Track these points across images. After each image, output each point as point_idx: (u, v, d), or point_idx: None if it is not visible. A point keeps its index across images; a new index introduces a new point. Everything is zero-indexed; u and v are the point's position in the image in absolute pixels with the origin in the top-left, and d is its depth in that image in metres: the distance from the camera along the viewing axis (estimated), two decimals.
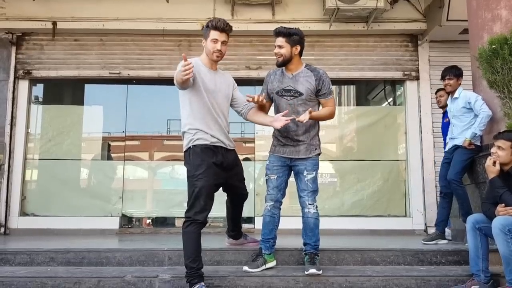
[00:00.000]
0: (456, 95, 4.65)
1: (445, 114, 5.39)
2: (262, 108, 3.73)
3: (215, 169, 3.42)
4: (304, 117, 3.46)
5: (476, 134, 4.38)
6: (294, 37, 3.62)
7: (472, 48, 4.67)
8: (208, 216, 3.40)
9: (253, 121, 3.84)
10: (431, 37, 6.84)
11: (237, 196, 3.89)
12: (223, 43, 3.51)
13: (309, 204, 3.60)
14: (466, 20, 4.96)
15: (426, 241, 4.61)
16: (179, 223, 7.00)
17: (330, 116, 3.75)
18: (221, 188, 3.71)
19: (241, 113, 3.75)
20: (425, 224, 5.28)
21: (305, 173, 3.61)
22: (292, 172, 3.73)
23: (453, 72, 4.71)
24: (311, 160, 3.64)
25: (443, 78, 4.79)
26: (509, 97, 3.95)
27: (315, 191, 3.63)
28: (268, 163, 3.75)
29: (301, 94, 3.62)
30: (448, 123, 5.32)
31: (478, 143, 4.47)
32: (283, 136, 3.68)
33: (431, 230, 5.37)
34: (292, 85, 3.65)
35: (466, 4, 4.91)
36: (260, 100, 3.46)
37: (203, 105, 3.45)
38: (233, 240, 4.15)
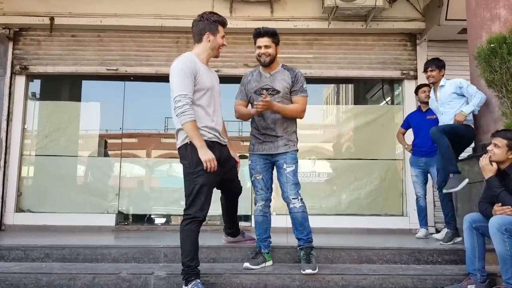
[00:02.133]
0: (442, 83, 4.73)
1: (427, 111, 5.43)
2: (246, 116, 3.90)
3: (218, 166, 3.36)
4: (265, 97, 3.52)
5: (474, 110, 4.37)
6: (277, 37, 3.77)
7: (471, 47, 4.67)
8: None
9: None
10: (429, 37, 6.83)
11: (232, 192, 3.88)
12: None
13: (293, 198, 3.62)
14: (465, 20, 4.96)
15: (444, 242, 4.50)
16: (175, 220, 7.00)
17: (297, 113, 3.76)
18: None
19: None
20: (425, 224, 5.28)
21: (285, 166, 3.66)
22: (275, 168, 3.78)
23: (435, 64, 4.80)
24: (290, 154, 3.70)
25: (425, 70, 4.87)
26: (507, 96, 3.95)
27: (296, 184, 3.66)
28: (251, 163, 3.80)
29: (278, 91, 3.71)
30: (431, 121, 5.32)
31: (472, 125, 4.49)
32: (261, 133, 3.75)
33: (430, 230, 5.37)
34: (269, 83, 3.75)
35: (465, 3, 4.90)
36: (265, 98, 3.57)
37: (201, 102, 3.42)
38: (230, 238, 4.14)
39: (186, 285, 3.19)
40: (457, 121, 4.41)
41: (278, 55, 3.80)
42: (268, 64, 3.75)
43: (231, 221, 4.07)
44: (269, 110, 3.65)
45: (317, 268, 3.49)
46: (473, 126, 4.54)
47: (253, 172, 3.76)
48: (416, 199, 5.47)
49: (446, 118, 4.63)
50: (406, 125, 5.76)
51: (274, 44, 3.71)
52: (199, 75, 3.36)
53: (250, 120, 3.89)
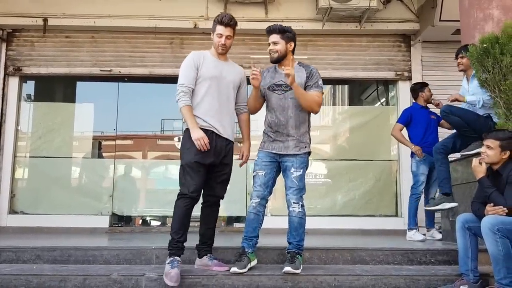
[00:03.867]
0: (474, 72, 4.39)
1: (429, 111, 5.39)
2: (257, 104, 3.81)
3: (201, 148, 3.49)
4: (288, 70, 3.46)
5: (481, 103, 4.22)
6: (288, 34, 3.70)
7: None
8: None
9: (240, 125, 3.98)
10: (423, 38, 6.85)
11: (210, 195, 3.73)
12: (228, 37, 3.67)
13: (294, 202, 3.56)
14: (459, 20, 4.96)
15: (430, 206, 4.45)
16: (169, 222, 6.95)
17: (313, 102, 3.63)
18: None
19: (235, 109, 3.84)
20: (416, 224, 5.27)
21: (292, 170, 3.58)
22: (281, 169, 3.70)
23: (467, 51, 4.41)
24: (299, 158, 3.61)
25: (456, 56, 4.63)
26: (500, 96, 3.94)
27: (301, 190, 3.59)
28: (257, 159, 3.72)
29: (291, 88, 3.61)
30: (434, 121, 5.29)
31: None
32: (273, 131, 3.67)
33: (422, 230, 5.36)
34: (283, 79, 3.66)
35: (458, 4, 4.91)
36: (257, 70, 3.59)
37: (202, 92, 3.58)
38: (198, 259, 3.74)
39: (168, 257, 3.39)
40: (453, 99, 4.35)
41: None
42: (276, 60, 3.70)
43: (202, 231, 3.77)
44: (281, 108, 3.62)
45: (299, 269, 3.44)
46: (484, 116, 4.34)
47: (257, 168, 3.67)
48: (426, 199, 5.35)
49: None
50: (406, 120, 5.44)
51: (284, 41, 3.66)
52: (202, 66, 3.60)
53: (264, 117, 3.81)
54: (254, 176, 3.69)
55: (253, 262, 3.63)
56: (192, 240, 3.73)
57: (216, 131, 3.58)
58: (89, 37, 6.97)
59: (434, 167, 5.22)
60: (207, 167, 3.58)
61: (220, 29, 3.64)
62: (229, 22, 3.64)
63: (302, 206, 3.60)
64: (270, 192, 3.68)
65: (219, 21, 3.65)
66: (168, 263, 3.35)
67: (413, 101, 5.65)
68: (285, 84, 3.64)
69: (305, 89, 3.66)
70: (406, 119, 5.45)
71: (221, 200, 3.80)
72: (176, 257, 3.37)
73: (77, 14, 6.75)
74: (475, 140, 4.32)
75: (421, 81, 6.06)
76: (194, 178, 3.48)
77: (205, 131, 3.52)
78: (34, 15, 6.75)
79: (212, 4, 6.74)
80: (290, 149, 3.62)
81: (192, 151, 3.49)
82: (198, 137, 3.41)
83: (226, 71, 3.69)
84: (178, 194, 3.51)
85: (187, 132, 3.55)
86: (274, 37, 3.67)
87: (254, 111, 3.89)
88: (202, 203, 3.74)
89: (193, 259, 3.75)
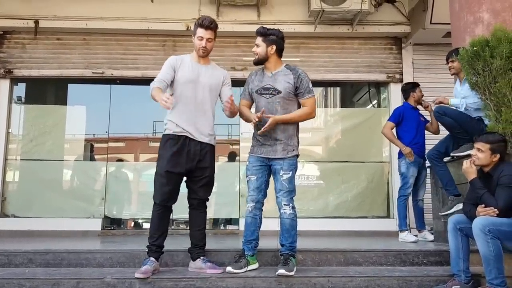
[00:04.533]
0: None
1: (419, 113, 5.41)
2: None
3: (174, 156, 3.57)
4: (264, 129, 3.54)
5: (464, 106, 4.34)
6: (271, 37, 3.72)
7: None
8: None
9: (227, 116, 3.82)
10: (415, 40, 6.90)
11: (191, 198, 3.74)
12: (208, 40, 3.70)
13: (285, 204, 3.60)
14: (449, 23, 5.01)
15: (445, 211, 4.46)
16: None
17: (306, 116, 3.73)
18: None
19: (222, 107, 3.80)
20: (408, 225, 5.30)
21: (281, 172, 3.61)
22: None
23: (458, 54, 4.46)
24: (287, 160, 3.64)
25: (446, 60, 4.70)
26: (490, 99, 3.99)
27: (291, 191, 3.63)
28: (248, 164, 3.76)
29: (279, 92, 3.66)
30: (423, 122, 5.33)
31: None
32: (261, 135, 3.69)
33: (414, 232, 5.39)
34: (271, 83, 3.70)
35: (449, 7, 4.96)
36: (260, 116, 3.57)
37: (177, 96, 3.64)
38: (191, 262, 3.73)
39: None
40: (438, 102, 4.48)
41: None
42: (256, 63, 3.75)
43: (191, 233, 3.78)
44: (269, 111, 3.61)
45: (293, 271, 3.45)
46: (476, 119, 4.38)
47: (249, 173, 3.71)
48: (414, 201, 5.41)
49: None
50: (397, 119, 5.37)
51: (265, 44, 3.68)
52: (179, 70, 3.66)
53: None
54: (247, 181, 3.74)
55: (253, 266, 3.68)
56: (184, 244, 3.74)
57: (190, 136, 3.61)
58: (81, 39, 6.93)
59: (423, 168, 5.29)
60: (183, 174, 3.64)
61: (200, 32, 3.67)
62: (210, 25, 3.67)
63: (293, 207, 3.64)
64: (264, 195, 3.73)
65: (200, 24, 3.68)
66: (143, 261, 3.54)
67: (404, 101, 5.68)
68: (273, 87, 3.69)
69: (295, 95, 3.70)
70: (398, 117, 5.40)
71: (207, 202, 3.80)
72: (151, 258, 3.52)
73: (68, 16, 6.71)
74: (466, 142, 4.36)
75: (408, 81, 6.09)
76: (164, 187, 3.58)
77: (178, 136, 3.60)
78: (25, 17, 6.70)
79: (205, 7, 6.75)
80: (278, 153, 3.66)
81: (165, 159, 3.58)
82: (161, 98, 3.30)
83: (204, 75, 3.71)
84: (153, 201, 3.65)
85: (163, 138, 3.66)
86: (257, 40, 3.74)
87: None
88: (188, 207, 3.77)
89: (187, 262, 3.76)
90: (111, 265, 3.87)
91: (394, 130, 5.45)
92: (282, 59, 3.81)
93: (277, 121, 3.58)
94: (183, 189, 3.74)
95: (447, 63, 4.72)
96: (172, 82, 3.67)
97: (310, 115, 3.75)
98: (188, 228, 3.83)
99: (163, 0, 6.71)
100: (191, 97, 3.64)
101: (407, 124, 5.36)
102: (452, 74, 4.78)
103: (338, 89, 7.78)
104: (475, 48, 4.06)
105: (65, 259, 3.88)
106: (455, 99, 4.49)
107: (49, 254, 3.91)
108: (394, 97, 6.94)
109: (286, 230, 3.61)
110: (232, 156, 7.18)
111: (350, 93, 7.84)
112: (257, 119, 3.56)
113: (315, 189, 7.09)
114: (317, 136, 7.35)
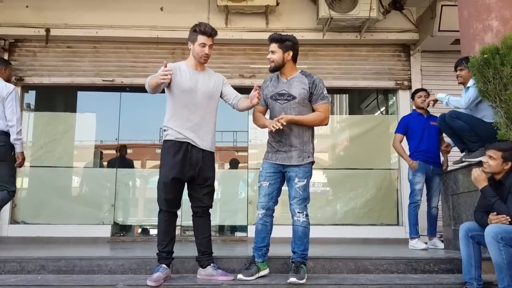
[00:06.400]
0: (469, 84, 4.44)
1: (429, 117, 5.39)
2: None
3: (177, 163, 3.56)
4: (279, 123, 3.50)
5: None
6: (287, 43, 3.70)
7: None
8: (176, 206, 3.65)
9: (244, 109, 3.80)
10: (423, 47, 6.91)
11: (198, 208, 3.73)
12: (210, 46, 3.70)
13: (298, 212, 3.59)
14: (458, 31, 5.01)
15: (468, 158, 4.45)
16: None
17: (319, 121, 3.71)
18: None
19: (232, 105, 3.82)
20: (418, 233, 5.28)
21: (296, 180, 3.60)
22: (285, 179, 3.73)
23: (466, 62, 4.45)
24: (303, 168, 3.63)
25: (455, 68, 4.73)
26: (501, 106, 3.98)
27: (305, 199, 3.62)
28: (261, 170, 3.75)
29: (294, 97, 3.65)
30: (435, 127, 5.31)
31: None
32: (276, 140, 3.69)
33: (424, 239, 5.37)
34: (286, 89, 3.69)
35: (457, 15, 4.97)
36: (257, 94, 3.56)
37: (177, 104, 3.64)
38: (201, 270, 3.70)
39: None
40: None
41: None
42: (273, 70, 3.73)
43: (198, 241, 3.76)
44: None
45: (304, 279, 3.43)
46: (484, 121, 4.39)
47: (261, 179, 3.69)
48: (428, 208, 5.37)
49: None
50: (403, 129, 5.43)
51: (281, 50, 3.67)
52: (176, 76, 3.60)
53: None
54: (259, 187, 3.72)
55: (264, 271, 3.68)
56: (195, 250, 3.75)
57: (192, 143, 3.61)
58: (91, 47, 7.00)
59: (431, 176, 5.27)
60: (185, 181, 3.64)
61: (203, 39, 3.64)
62: (212, 32, 3.67)
63: (307, 215, 3.63)
64: (275, 202, 3.71)
65: (202, 31, 3.65)
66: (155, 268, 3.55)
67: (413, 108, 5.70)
68: (288, 93, 3.67)
69: (310, 100, 3.69)
70: (403, 127, 5.44)
71: (210, 209, 3.79)
72: (162, 265, 3.53)
73: (79, 24, 6.78)
74: (475, 144, 4.39)
75: (417, 87, 6.08)
76: (167, 194, 3.58)
77: (181, 143, 3.59)
78: (36, 25, 6.78)
79: (213, 15, 6.79)
80: (293, 160, 3.64)
81: (167, 167, 3.58)
82: (159, 74, 3.39)
83: (202, 83, 3.68)
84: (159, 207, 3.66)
85: (165, 144, 3.65)
86: (272, 46, 3.70)
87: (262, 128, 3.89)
88: (192, 215, 3.76)
89: (198, 268, 3.76)
90: (122, 272, 3.88)
91: (404, 139, 5.50)
92: None
93: (289, 120, 3.56)
94: (187, 194, 3.75)
95: (456, 71, 4.75)
96: (169, 88, 3.64)
97: (323, 121, 3.73)
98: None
99: (173, 8, 6.78)
100: (192, 105, 3.62)
101: (412, 131, 5.39)
102: (459, 83, 4.79)
103: (346, 96, 7.80)
104: (485, 55, 4.06)
105: (77, 265, 3.90)
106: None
107: (61, 260, 3.93)
108: (403, 104, 6.94)
109: (298, 238, 3.61)
110: (235, 163, 7.14)
111: (358, 100, 7.85)
112: (278, 125, 3.50)
113: (323, 196, 7.09)
114: (325, 143, 7.36)
